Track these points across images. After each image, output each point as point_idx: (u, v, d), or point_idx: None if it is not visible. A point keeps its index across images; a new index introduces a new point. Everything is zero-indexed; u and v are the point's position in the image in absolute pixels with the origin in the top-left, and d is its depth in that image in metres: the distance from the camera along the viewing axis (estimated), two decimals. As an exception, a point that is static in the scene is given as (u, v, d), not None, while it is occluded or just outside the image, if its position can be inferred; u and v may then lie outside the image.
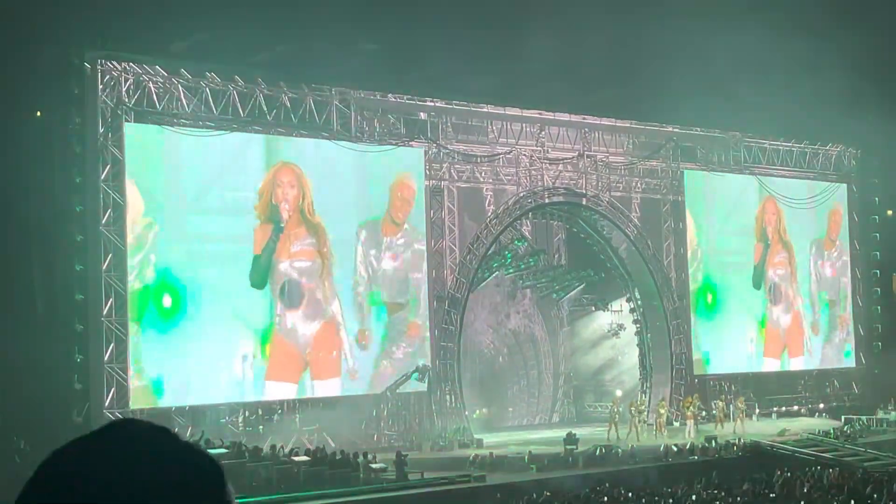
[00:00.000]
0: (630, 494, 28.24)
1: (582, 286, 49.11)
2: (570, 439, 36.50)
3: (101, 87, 34.25)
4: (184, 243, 35.56)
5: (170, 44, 36.25)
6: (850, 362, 52.88)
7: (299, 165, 38.03)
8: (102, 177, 34.00)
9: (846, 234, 53.38)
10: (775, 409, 47.91)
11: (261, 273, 36.97)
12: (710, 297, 48.31)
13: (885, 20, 41.49)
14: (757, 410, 46.06)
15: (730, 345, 48.36)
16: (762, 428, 42.53)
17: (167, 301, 35.12)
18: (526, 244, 46.38)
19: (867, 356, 52.84)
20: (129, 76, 34.94)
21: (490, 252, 43.29)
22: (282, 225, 37.51)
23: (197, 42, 36.19)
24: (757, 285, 49.91)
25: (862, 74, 40.37)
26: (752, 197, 49.96)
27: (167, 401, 34.61)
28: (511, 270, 47.11)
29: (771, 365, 49.80)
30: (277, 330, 37.23)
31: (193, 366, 35.02)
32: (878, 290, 53.60)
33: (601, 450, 36.00)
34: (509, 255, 45.78)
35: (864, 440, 40.15)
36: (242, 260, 36.71)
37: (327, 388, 38.13)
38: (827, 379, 51.90)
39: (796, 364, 50.75)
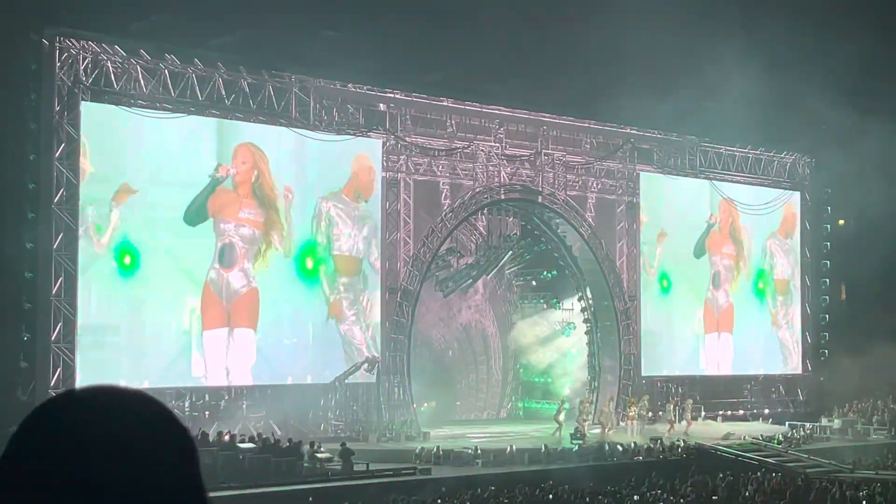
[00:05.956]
0: (574, 493, 28.35)
1: (529, 258, 48.92)
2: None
3: (58, 64, 33.92)
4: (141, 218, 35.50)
5: (130, 24, 35.92)
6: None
7: (259, 146, 37.99)
8: (57, 155, 33.69)
9: (797, 240, 53.70)
10: (721, 412, 48.24)
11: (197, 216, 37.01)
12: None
13: (846, 31, 41.81)
14: (703, 413, 46.33)
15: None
16: (707, 431, 42.80)
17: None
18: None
19: (814, 364, 53.26)
20: (88, 54, 34.63)
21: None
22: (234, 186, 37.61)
23: (157, 23, 35.88)
24: (698, 254, 50.23)
25: (818, 84, 40.68)
26: (705, 201, 50.24)
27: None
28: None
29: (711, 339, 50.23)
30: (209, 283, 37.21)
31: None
32: (827, 298, 54.06)
33: (546, 447, 36.25)
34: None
35: (807, 447, 40.52)
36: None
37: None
38: (773, 385, 52.30)
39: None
